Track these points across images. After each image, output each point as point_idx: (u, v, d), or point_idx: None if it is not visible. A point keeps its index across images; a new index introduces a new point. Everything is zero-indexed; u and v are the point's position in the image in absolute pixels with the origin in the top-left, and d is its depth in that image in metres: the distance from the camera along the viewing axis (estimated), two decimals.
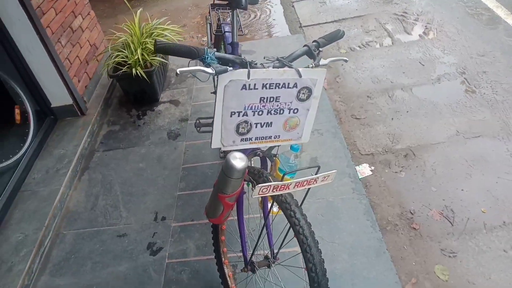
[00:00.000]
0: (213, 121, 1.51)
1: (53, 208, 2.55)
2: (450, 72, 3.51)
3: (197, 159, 2.90)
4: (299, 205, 1.49)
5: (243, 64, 1.45)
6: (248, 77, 1.40)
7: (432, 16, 4.34)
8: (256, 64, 1.47)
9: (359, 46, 4.06)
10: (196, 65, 1.39)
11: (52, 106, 3.26)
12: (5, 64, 2.96)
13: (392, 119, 3.15)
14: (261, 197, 1.75)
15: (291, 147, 1.63)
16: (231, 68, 1.39)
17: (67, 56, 3.26)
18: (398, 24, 4.31)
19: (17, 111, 3.04)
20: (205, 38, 4.64)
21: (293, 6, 5.03)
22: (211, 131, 1.53)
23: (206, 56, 1.40)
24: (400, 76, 3.58)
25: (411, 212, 2.47)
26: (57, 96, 3.23)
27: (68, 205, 2.71)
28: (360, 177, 2.67)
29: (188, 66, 1.38)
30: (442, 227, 2.35)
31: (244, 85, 1.42)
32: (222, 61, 1.48)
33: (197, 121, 2.30)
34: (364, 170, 2.78)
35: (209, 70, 1.36)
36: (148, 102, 3.52)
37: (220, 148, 1.61)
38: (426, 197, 2.54)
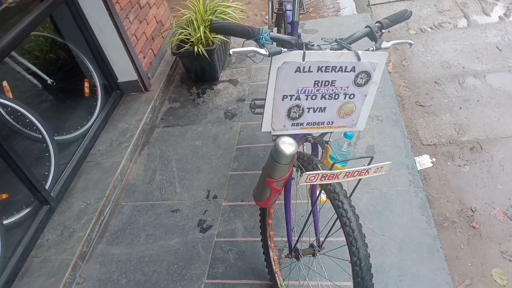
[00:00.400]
0: (265, 103, 1.49)
1: (114, 180, 2.71)
2: None
3: (251, 140, 2.92)
4: (348, 195, 1.44)
5: (299, 45, 1.40)
6: (303, 59, 1.35)
7: None
8: (313, 45, 1.41)
9: (430, 27, 3.81)
10: (252, 46, 1.37)
11: (118, 81, 3.41)
12: (77, 39, 3.12)
13: (460, 108, 2.95)
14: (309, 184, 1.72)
15: (345, 134, 1.56)
16: (286, 49, 1.35)
17: (134, 32, 3.37)
18: (476, 4, 3.97)
19: (86, 84, 3.22)
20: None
21: None
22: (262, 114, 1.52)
23: (261, 37, 1.36)
24: (473, 61, 3.32)
25: (472, 210, 2.33)
26: (124, 72, 3.37)
27: (128, 178, 2.86)
28: (419, 169, 2.55)
29: (242, 47, 1.36)
30: (505, 228, 2.19)
31: (299, 67, 1.37)
32: (278, 42, 1.44)
33: (252, 102, 2.29)
34: (425, 161, 2.65)
35: (262, 51, 1.32)
36: (208, 80, 3.57)
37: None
38: (490, 194, 2.37)
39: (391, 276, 1.98)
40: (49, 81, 2.99)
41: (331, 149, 1.62)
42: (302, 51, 1.34)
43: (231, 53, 1.30)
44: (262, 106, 1.46)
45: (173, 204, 2.61)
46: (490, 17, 3.76)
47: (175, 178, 2.78)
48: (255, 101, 2.24)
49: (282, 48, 1.33)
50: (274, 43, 1.39)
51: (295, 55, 1.34)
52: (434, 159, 2.65)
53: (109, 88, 3.40)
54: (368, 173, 1.30)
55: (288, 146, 1.40)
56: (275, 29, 2.75)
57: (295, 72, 1.38)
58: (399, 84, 3.27)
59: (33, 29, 2.63)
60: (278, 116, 1.51)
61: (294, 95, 1.45)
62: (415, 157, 2.60)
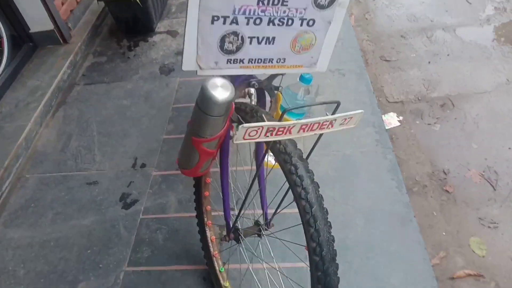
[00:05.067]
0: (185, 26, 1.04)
1: (16, 147, 2.17)
2: (502, 13, 2.96)
3: (190, 98, 2.46)
4: (303, 157, 1.02)
5: None
6: None
7: None
8: None
9: None
10: None
11: (30, 31, 2.83)
12: None
13: (429, 62, 2.68)
14: (254, 143, 1.28)
15: (301, 77, 1.14)
16: None
17: None
18: None
19: None
20: None
21: None
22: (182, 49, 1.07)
23: None
24: (442, 14, 3.07)
25: (444, 172, 2.05)
26: (37, 20, 2.79)
27: (36, 145, 2.33)
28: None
29: None
30: (482, 192, 1.94)
31: None
32: None
33: None
34: (391, 120, 2.35)
35: None
36: (142, 31, 3.06)
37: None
38: (464, 154, 2.10)
39: (356, 253, 1.64)
40: None
41: (283, 98, 1.20)
42: None
43: None
44: None
45: (90, 175, 2.12)
46: None
47: (95, 144, 2.28)
48: None
49: None
50: None
51: None
52: (401, 118, 2.36)
53: (19, 39, 2.81)
54: (332, 126, 0.90)
55: (220, 91, 0.97)
56: None
57: None
58: (362, 38, 2.97)
59: None
60: (206, 48, 1.05)
61: (229, 17, 1.00)
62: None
